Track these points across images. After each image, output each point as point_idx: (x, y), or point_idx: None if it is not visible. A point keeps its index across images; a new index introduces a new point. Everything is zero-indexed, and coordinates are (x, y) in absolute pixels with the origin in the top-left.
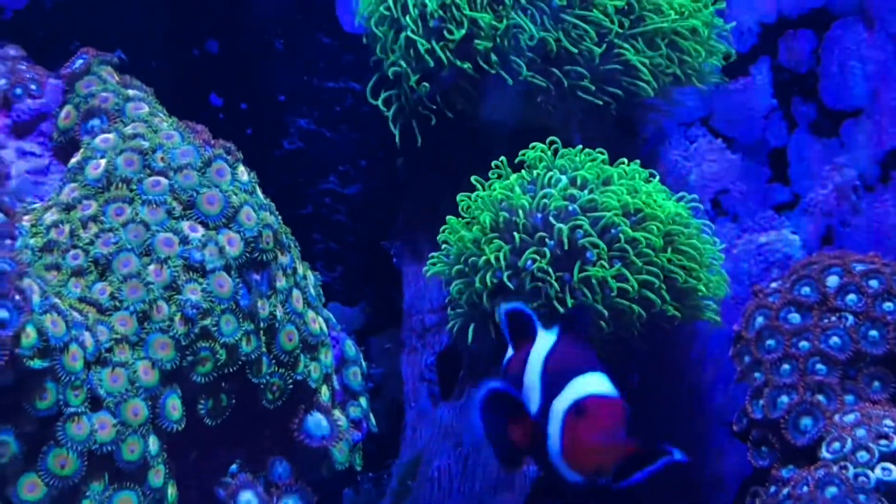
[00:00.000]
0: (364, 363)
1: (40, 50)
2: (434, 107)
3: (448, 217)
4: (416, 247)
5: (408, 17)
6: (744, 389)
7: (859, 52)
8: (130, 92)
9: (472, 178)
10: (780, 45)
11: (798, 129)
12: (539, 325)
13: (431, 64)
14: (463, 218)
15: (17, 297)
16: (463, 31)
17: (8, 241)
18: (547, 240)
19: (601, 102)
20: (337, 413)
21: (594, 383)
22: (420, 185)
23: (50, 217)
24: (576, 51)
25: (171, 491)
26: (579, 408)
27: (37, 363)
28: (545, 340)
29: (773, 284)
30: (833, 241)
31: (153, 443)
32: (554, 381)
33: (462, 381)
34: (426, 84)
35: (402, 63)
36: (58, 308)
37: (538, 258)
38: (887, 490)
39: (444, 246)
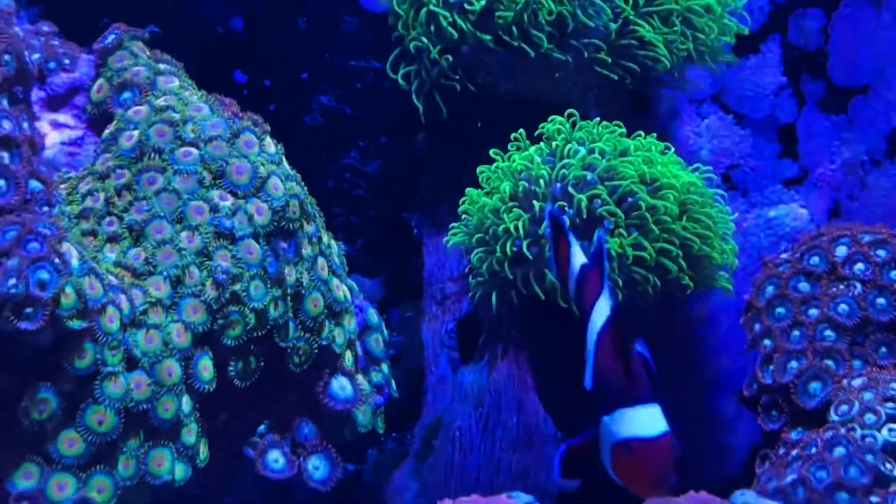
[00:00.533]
0: (385, 331)
1: (70, 27)
2: (456, 78)
3: (468, 189)
4: (437, 218)
5: None
6: (753, 358)
7: (867, 30)
8: (161, 66)
9: (492, 151)
10: (790, 23)
11: (807, 105)
12: (571, 237)
13: (455, 36)
14: (483, 189)
15: (57, 260)
16: (483, 3)
17: (45, 208)
18: (566, 208)
19: (616, 77)
20: (360, 378)
21: (645, 422)
22: (440, 159)
23: (85, 186)
24: (593, 25)
25: (203, 449)
26: (628, 447)
27: (76, 324)
28: (599, 302)
29: (783, 255)
30: (841, 215)
31: (186, 402)
32: (604, 391)
33: (482, 347)
34: (448, 56)
35: (424, 39)
36: (95, 271)
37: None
38: (893, 450)
39: (464, 217)
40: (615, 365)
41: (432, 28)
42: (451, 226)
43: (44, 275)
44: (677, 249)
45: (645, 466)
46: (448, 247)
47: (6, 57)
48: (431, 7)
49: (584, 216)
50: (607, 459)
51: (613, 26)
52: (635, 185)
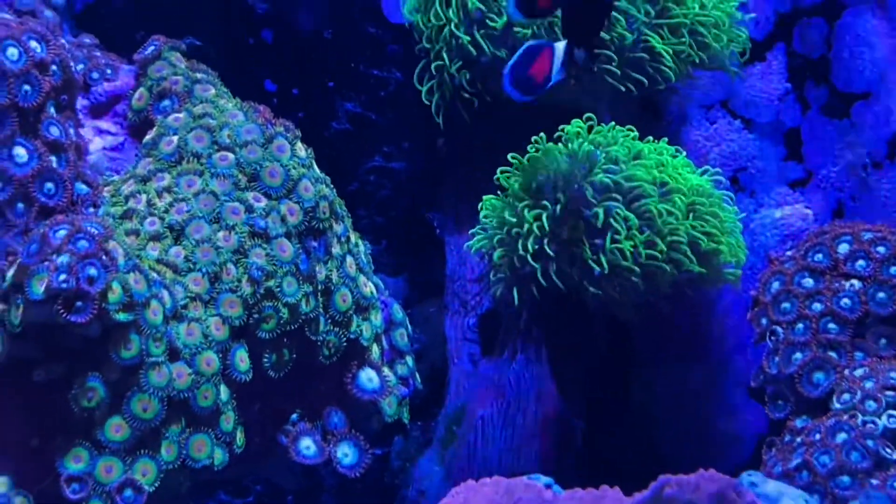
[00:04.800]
0: (409, 326)
1: (108, 39)
2: (474, 91)
3: (486, 196)
4: (458, 217)
5: (451, 11)
6: (760, 352)
7: (868, 38)
8: (198, 75)
9: (510, 155)
10: (794, 32)
11: (811, 110)
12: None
13: (474, 53)
14: (502, 191)
15: (105, 258)
16: (503, 20)
17: (91, 209)
18: (583, 209)
19: (623, 89)
20: (386, 370)
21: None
22: (461, 161)
23: (128, 188)
24: (607, 37)
25: (239, 436)
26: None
27: (122, 316)
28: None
29: (788, 253)
30: (844, 215)
31: (224, 391)
32: None
33: (502, 340)
34: (466, 71)
35: (445, 55)
36: (140, 268)
37: (575, 226)
38: (893, 436)
39: (483, 220)
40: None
41: (453, 43)
42: (471, 231)
43: (92, 271)
44: (685, 245)
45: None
46: (472, 252)
47: (53, 67)
48: (452, 28)
49: (601, 224)
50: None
51: (629, 37)
52: (648, 186)
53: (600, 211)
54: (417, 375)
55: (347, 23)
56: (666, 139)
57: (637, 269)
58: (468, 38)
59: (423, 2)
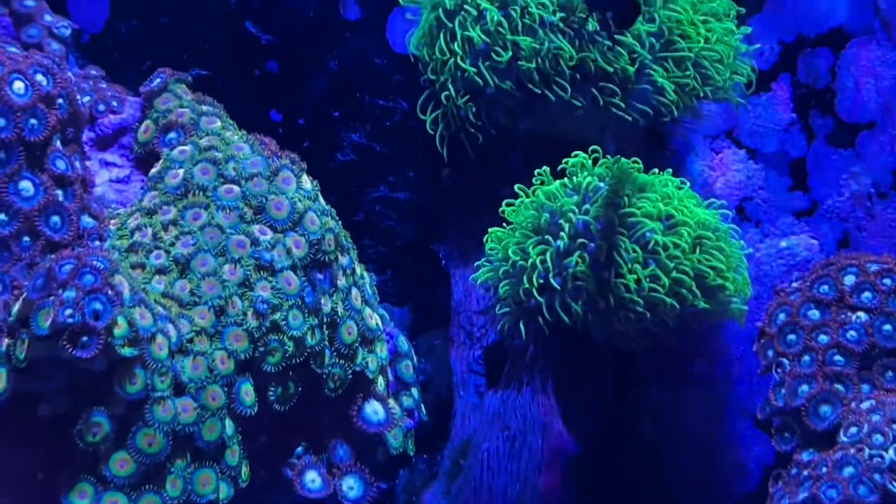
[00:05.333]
0: (415, 357)
1: (115, 70)
2: (479, 123)
3: (491, 228)
4: (463, 249)
5: (455, 45)
6: (766, 383)
7: (873, 69)
8: (204, 107)
9: (516, 186)
10: (799, 62)
11: (816, 140)
12: None
13: (480, 84)
14: (508, 224)
15: (110, 292)
16: (508, 55)
17: (97, 243)
18: (587, 243)
19: (630, 119)
20: (391, 402)
21: None
22: (466, 193)
23: (134, 221)
24: (611, 69)
25: (245, 469)
26: None
27: (127, 351)
28: None
29: (794, 284)
30: (850, 245)
31: (229, 425)
32: None
33: (508, 373)
34: (472, 105)
35: (450, 86)
36: (145, 302)
37: (580, 261)
38: None
39: (489, 252)
40: None
41: (458, 76)
42: (476, 264)
43: (98, 305)
44: (691, 280)
45: None
46: (477, 284)
47: (60, 100)
48: (458, 61)
49: (605, 258)
50: None
51: (631, 70)
52: (652, 222)
53: (604, 245)
54: (423, 407)
55: (353, 53)
56: (671, 170)
57: (641, 302)
58: (474, 69)
59: (429, 36)
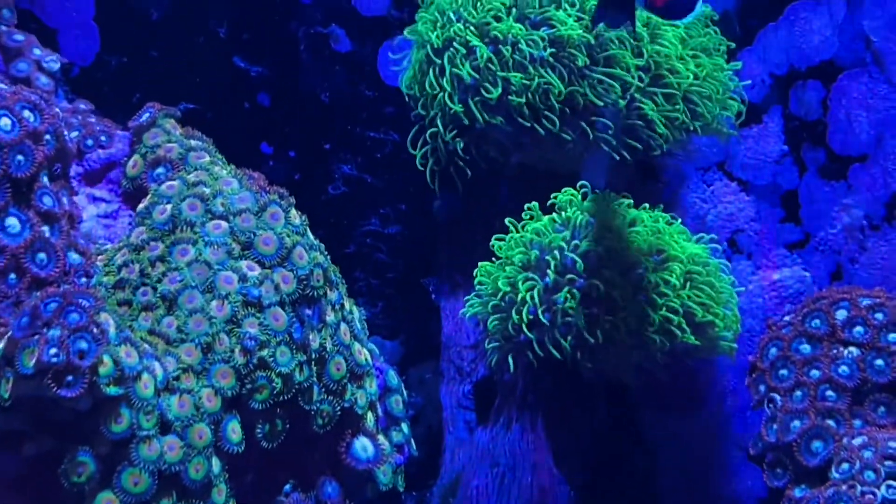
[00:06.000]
0: (405, 392)
1: (104, 103)
2: (468, 158)
3: (481, 263)
4: (454, 284)
5: (444, 80)
6: (759, 416)
7: (865, 101)
8: (192, 142)
9: (506, 220)
10: (790, 95)
11: (808, 172)
12: None
13: (466, 122)
14: (497, 259)
15: (96, 330)
16: (499, 91)
17: (84, 279)
18: (576, 279)
19: (618, 157)
20: (381, 438)
21: None
22: (457, 226)
23: (121, 257)
24: (601, 104)
25: None
26: None
27: (112, 390)
28: None
29: (786, 318)
30: (842, 278)
31: (216, 464)
32: None
33: (497, 409)
34: (460, 140)
35: (439, 122)
36: (131, 340)
37: (569, 297)
38: None
39: (478, 286)
40: None
41: (447, 111)
42: (465, 299)
43: (83, 344)
44: (680, 318)
45: None
46: (466, 318)
47: (47, 136)
48: (446, 98)
49: (594, 292)
50: None
51: (622, 103)
52: (644, 259)
53: (594, 282)
54: (413, 442)
55: (344, 85)
56: (661, 206)
57: (629, 340)
58: (461, 107)
59: (418, 73)
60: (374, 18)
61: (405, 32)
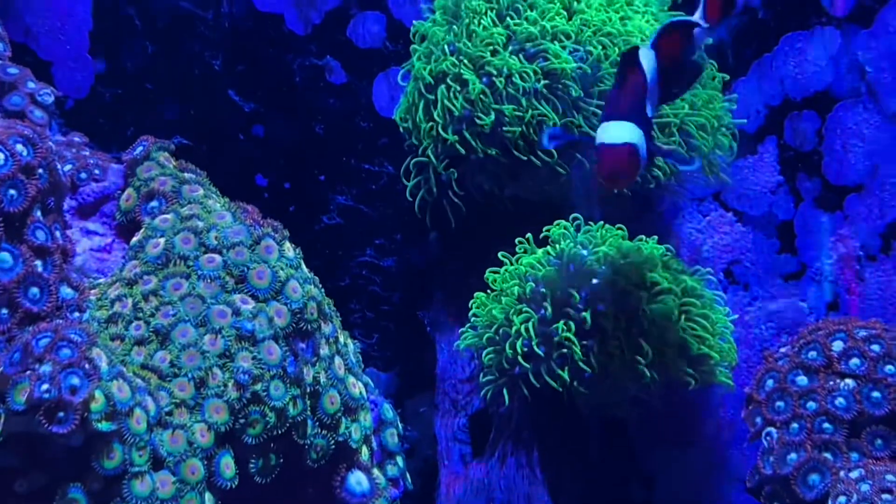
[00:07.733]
0: (400, 425)
1: (99, 135)
2: (461, 192)
3: (477, 293)
4: (449, 316)
5: (436, 113)
6: (756, 448)
7: (860, 131)
8: (186, 175)
9: (500, 254)
10: (785, 125)
11: (804, 203)
12: None
13: (463, 152)
14: (492, 291)
15: (87, 366)
16: (491, 118)
17: (77, 314)
18: (571, 311)
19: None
20: (376, 472)
21: (612, 132)
22: (451, 258)
23: (114, 291)
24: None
25: None
26: (598, 149)
27: (105, 426)
28: None
29: (782, 349)
30: (839, 308)
31: (209, 499)
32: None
33: (492, 442)
34: (454, 170)
35: (430, 154)
36: (123, 375)
37: (564, 329)
38: None
39: (473, 318)
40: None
41: (441, 144)
42: (460, 331)
43: (75, 380)
44: (675, 350)
45: (606, 165)
46: (461, 350)
47: (40, 171)
48: (440, 130)
49: (590, 325)
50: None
51: None
52: (637, 290)
53: (587, 315)
54: (408, 476)
55: (339, 117)
56: (656, 237)
57: (626, 372)
58: (455, 137)
59: (412, 105)
60: (370, 51)
61: (402, 68)
